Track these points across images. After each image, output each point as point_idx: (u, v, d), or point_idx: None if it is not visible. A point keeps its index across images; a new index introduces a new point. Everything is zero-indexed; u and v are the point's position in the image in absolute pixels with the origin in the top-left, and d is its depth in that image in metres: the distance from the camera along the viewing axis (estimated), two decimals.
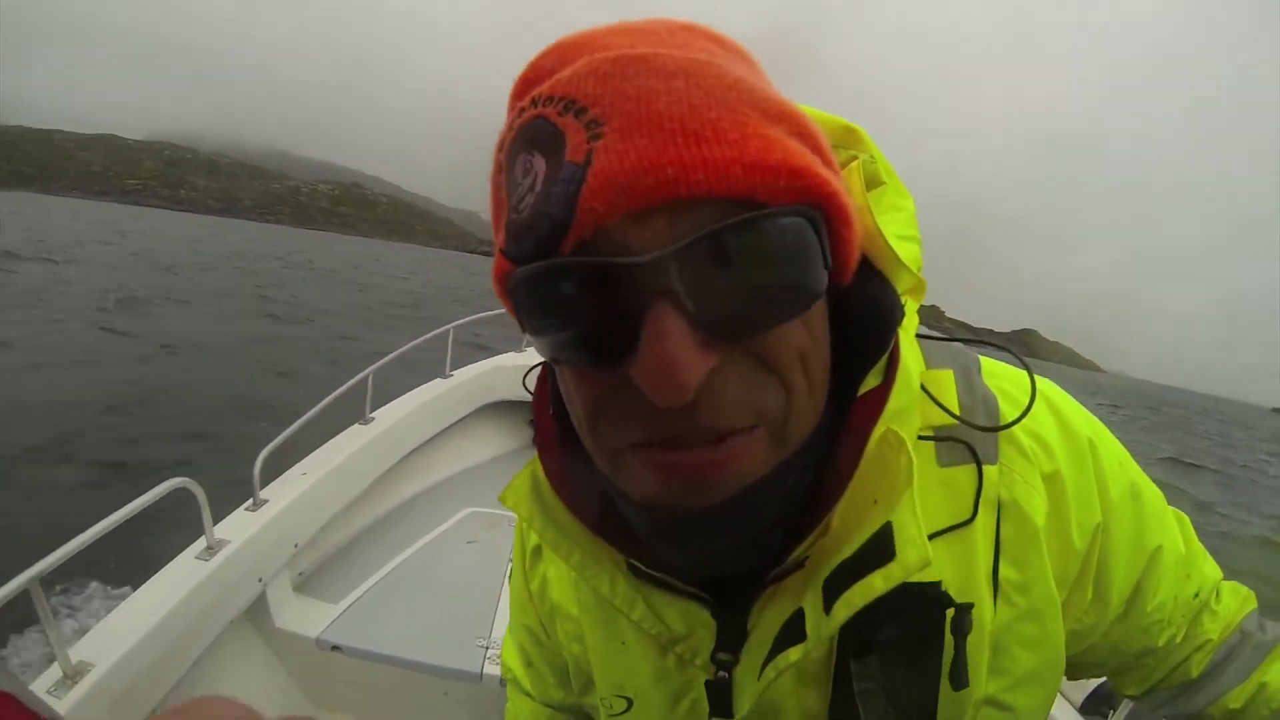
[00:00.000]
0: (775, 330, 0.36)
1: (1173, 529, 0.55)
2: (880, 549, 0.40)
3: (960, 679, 0.45)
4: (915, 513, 0.39)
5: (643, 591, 0.49)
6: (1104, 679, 0.95)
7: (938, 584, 0.45)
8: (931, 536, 0.45)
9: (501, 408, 3.96)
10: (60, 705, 1.40)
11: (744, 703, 0.48)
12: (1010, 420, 0.47)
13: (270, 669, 2.12)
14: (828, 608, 0.41)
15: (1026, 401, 0.49)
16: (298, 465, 2.47)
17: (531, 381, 0.62)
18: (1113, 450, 0.52)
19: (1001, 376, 0.53)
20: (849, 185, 0.45)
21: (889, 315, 0.45)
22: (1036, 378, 0.52)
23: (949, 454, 0.48)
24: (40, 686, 1.45)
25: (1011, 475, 0.48)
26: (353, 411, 2.92)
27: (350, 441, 2.73)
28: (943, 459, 0.48)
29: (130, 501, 1.62)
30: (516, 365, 4.01)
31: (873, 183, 0.51)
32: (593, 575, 0.50)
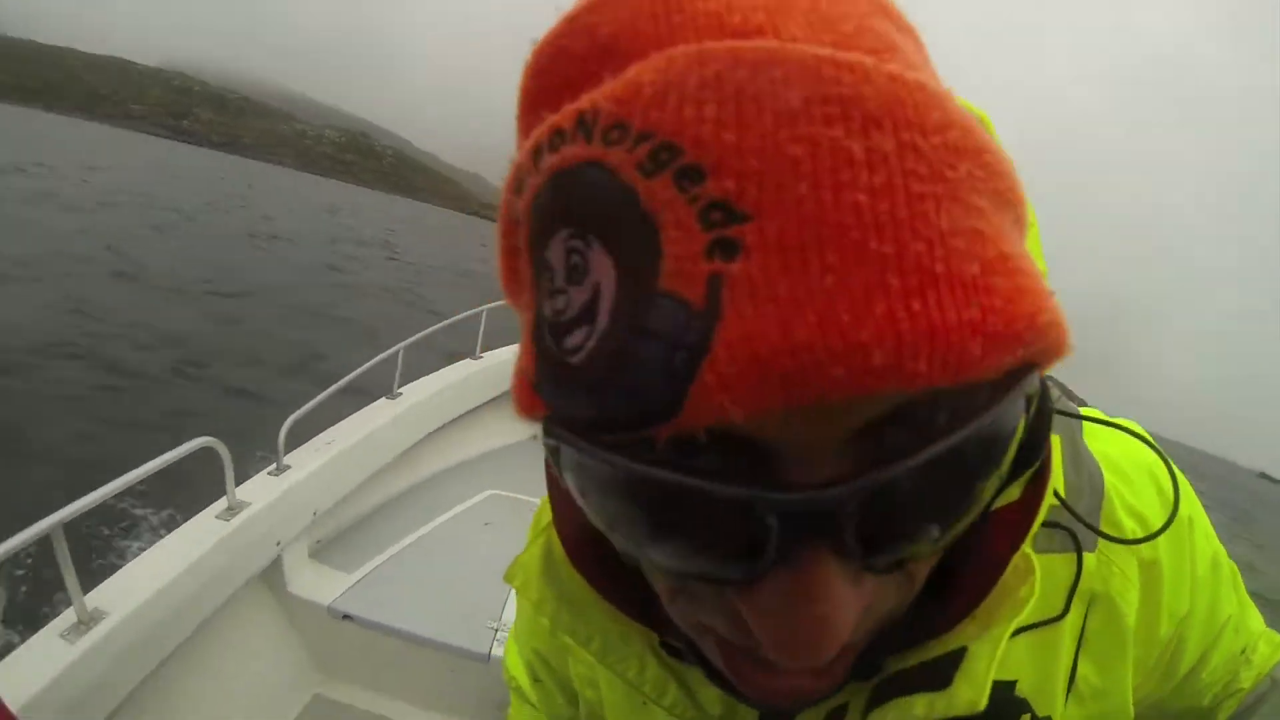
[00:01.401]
0: None
1: (1232, 592, 0.50)
2: (940, 669, 0.34)
3: None
4: (995, 652, 0.32)
5: (676, 672, 0.42)
6: None
7: (1013, 684, 0.39)
8: (1017, 632, 0.38)
9: None
10: (73, 649, 1.43)
11: None
12: (1140, 536, 0.40)
13: (280, 633, 2.13)
14: (866, 713, 0.36)
15: (1132, 473, 0.43)
16: (323, 434, 2.46)
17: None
18: (1204, 524, 0.47)
19: (1103, 439, 0.46)
20: None
21: (1039, 409, 0.34)
22: (1133, 443, 0.46)
23: (1046, 540, 0.41)
24: (54, 630, 1.47)
25: (1110, 566, 0.41)
26: (381, 386, 2.91)
27: (376, 415, 2.72)
28: (1039, 545, 0.40)
29: (155, 457, 1.63)
30: None
31: None
32: (617, 661, 0.42)
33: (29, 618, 2.43)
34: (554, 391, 0.23)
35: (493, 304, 3.82)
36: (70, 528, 1.41)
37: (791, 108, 0.18)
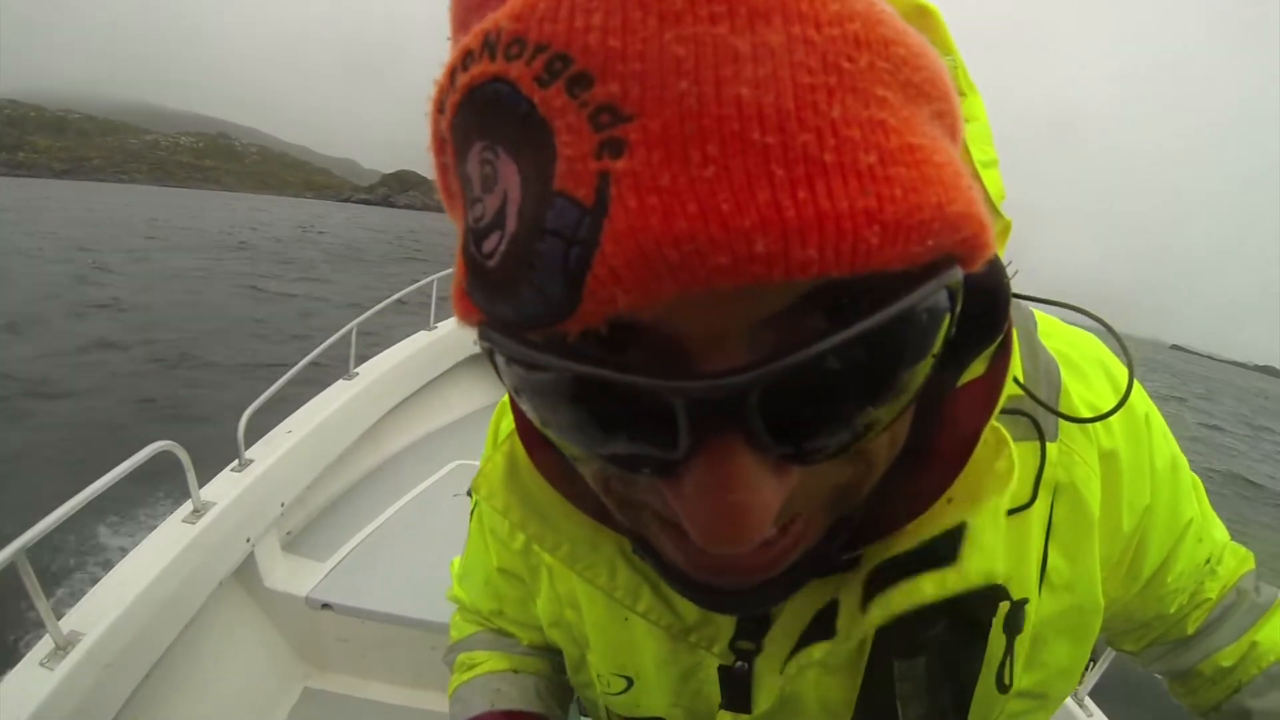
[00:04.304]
0: None
1: (1193, 498, 0.52)
2: (940, 550, 0.35)
3: (1006, 679, 0.42)
4: (997, 522, 0.35)
5: (650, 577, 0.42)
6: None
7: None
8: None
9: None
10: (53, 675, 1.37)
11: (764, 698, 0.43)
12: (1095, 414, 0.42)
13: (261, 629, 2.07)
14: (865, 604, 0.37)
15: (1085, 367, 0.45)
16: (283, 424, 2.37)
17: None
18: (1160, 423, 0.49)
19: (1058, 336, 0.47)
20: None
21: (996, 289, 0.34)
22: (1084, 337, 0.48)
23: (1011, 429, 0.40)
24: (33, 658, 1.40)
25: (1071, 455, 0.43)
26: (337, 368, 2.82)
27: (335, 397, 2.64)
28: None
29: (114, 467, 1.54)
30: None
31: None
32: (587, 568, 0.42)
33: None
34: (479, 295, 0.24)
35: (442, 273, 3.72)
36: (35, 552, 1.34)
37: (676, 9, 0.19)
